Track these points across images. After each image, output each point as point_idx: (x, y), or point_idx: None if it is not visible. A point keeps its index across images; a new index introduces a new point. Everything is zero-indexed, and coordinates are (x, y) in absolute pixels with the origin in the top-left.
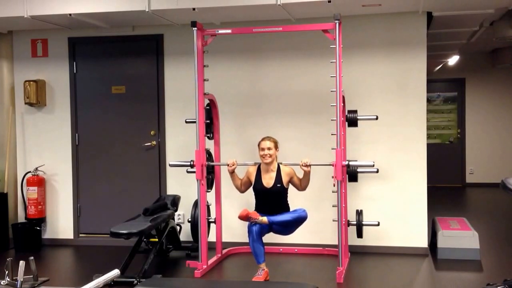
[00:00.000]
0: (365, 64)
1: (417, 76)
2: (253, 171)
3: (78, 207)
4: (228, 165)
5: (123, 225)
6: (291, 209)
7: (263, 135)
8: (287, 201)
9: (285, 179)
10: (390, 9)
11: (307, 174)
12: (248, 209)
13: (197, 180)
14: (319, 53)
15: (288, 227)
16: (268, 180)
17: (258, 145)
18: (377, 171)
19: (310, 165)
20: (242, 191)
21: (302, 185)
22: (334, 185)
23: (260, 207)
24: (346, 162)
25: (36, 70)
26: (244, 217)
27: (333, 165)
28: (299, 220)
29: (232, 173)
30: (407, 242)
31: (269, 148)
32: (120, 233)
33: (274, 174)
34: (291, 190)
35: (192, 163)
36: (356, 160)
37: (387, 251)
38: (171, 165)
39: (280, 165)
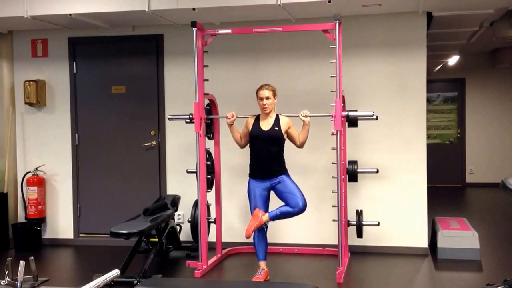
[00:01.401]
0: (365, 64)
1: (417, 76)
2: (251, 120)
3: (78, 207)
4: (227, 117)
5: (123, 225)
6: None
7: None
8: (283, 158)
9: (283, 127)
10: (390, 9)
11: (306, 126)
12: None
13: (196, 133)
14: (319, 53)
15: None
16: (266, 125)
17: (256, 93)
18: (377, 171)
19: (309, 116)
20: (242, 145)
21: (300, 138)
22: (333, 134)
23: (255, 162)
24: (346, 113)
25: (36, 70)
26: (252, 233)
27: (332, 116)
28: (296, 214)
29: (231, 125)
30: (407, 242)
31: (267, 98)
32: (120, 233)
33: (272, 120)
34: None
35: (191, 116)
36: (355, 110)
37: (387, 251)
38: (170, 119)
39: (279, 115)
